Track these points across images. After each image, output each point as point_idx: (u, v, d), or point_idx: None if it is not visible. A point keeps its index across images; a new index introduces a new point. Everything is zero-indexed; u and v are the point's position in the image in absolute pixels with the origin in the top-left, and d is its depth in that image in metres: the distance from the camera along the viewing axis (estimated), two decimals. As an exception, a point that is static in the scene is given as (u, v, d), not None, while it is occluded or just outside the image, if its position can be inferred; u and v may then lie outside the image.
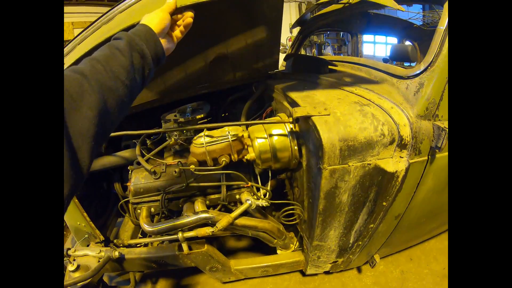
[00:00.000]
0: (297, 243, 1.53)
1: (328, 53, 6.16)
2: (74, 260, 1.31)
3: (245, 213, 1.30)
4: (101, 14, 1.04)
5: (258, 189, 1.34)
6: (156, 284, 1.71)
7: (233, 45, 1.55)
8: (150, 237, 1.46)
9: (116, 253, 1.32)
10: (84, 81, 0.54)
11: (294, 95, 1.20)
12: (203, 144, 1.19)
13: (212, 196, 1.43)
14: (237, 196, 1.40)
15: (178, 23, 0.80)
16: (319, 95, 1.17)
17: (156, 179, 1.37)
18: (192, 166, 1.20)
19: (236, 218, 1.25)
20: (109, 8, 1.03)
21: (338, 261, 1.42)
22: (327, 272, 1.62)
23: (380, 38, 7.19)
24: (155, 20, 0.71)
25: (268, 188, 1.30)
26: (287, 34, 6.12)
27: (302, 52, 3.83)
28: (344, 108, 1.01)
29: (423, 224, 1.42)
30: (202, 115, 1.47)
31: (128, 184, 1.42)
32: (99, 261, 1.30)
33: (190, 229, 1.28)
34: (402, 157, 0.99)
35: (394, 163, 0.98)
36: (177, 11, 0.79)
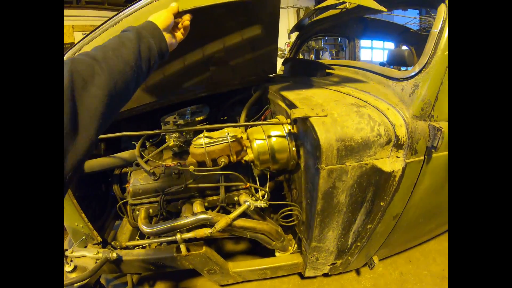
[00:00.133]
0: (296, 245, 1.53)
1: (326, 59, 6.23)
2: (72, 261, 1.31)
3: (244, 215, 1.31)
4: (107, 18, 1.13)
5: (256, 191, 1.34)
6: (153, 286, 1.70)
7: (232, 49, 1.58)
8: (148, 239, 1.45)
9: (114, 255, 1.32)
10: (95, 64, 0.58)
11: (292, 97, 1.22)
12: (202, 145, 1.20)
13: (211, 198, 1.43)
14: (236, 198, 1.41)
15: (179, 26, 0.88)
16: (317, 97, 1.19)
17: (155, 180, 1.38)
18: (192, 167, 1.21)
19: (234, 219, 1.26)
20: (115, 13, 1.11)
21: (336, 263, 1.42)
22: (325, 275, 1.62)
23: (377, 43, 7.29)
24: (161, 18, 0.79)
25: (267, 189, 1.31)
26: (285, 40, 6.20)
27: (300, 57, 3.87)
28: (341, 110, 1.03)
29: (421, 224, 1.43)
30: (201, 117, 1.49)
31: (127, 185, 1.42)
32: (96, 262, 1.29)
33: (189, 230, 1.29)
34: (399, 157, 1.01)
35: (391, 163, 0.99)
36: (178, 15, 0.87)
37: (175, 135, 1.44)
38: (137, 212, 1.41)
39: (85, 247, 1.43)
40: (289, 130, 1.18)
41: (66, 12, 5.28)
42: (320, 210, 1.08)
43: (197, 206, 1.33)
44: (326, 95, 1.22)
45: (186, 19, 0.87)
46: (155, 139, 1.64)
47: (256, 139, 1.20)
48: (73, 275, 1.28)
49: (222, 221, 1.22)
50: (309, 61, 3.72)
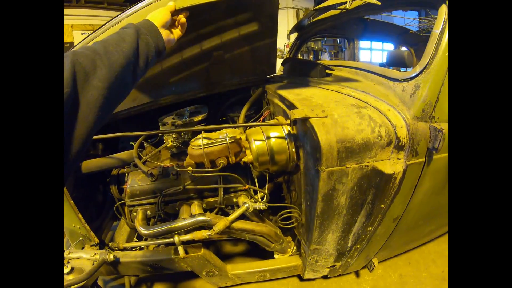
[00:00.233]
0: (295, 247, 1.52)
1: (325, 60, 6.23)
2: (68, 262, 1.29)
3: (242, 217, 1.29)
4: (107, 18, 1.17)
5: (255, 192, 1.33)
6: (151, 289, 1.69)
7: (230, 49, 1.57)
8: (146, 241, 1.44)
9: (111, 256, 1.30)
10: (96, 57, 0.60)
11: (291, 98, 1.21)
12: (201, 146, 1.18)
13: (209, 199, 1.42)
14: (234, 199, 1.39)
15: (176, 23, 0.90)
16: (317, 98, 1.18)
17: (153, 181, 1.36)
18: (190, 168, 1.19)
19: (233, 221, 1.24)
20: (115, 12, 1.15)
21: (336, 265, 1.41)
22: (325, 277, 1.61)
23: (376, 44, 7.31)
24: (158, 16, 0.81)
25: (266, 191, 1.30)
26: (285, 40, 6.19)
27: (300, 58, 3.86)
28: (342, 110, 1.02)
29: (421, 226, 1.42)
30: (200, 118, 1.47)
31: (124, 186, 1.40)
32: (93, 264, 1.28)
33: (187, 232, 1.27)
34: (400, 159, 0.99)
35: (392, 164, 0.98)
36: (176, 13, 0.89)
37: (173, 135, 1.42)
38: (135, 214, 1.39)
39: (82, 248, 1.42)
40: (289, 131, 1.17)
41: (65, 11, 5.26)
42: (320, 213, 1.06)
43: (195, 208, 1.31)
44: (326, 95, 1.21)
45: (181, 17, 0.90)
46: (153, 140, 1.62)
47: (255, 140, 1.19)
48: (70, 277, 1.26)
49: (221, 223, 1.20)
50: (308, 61, 3.71)
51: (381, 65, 2.67)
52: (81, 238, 1.40)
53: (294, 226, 1.37)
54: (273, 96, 1.50)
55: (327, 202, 1.04)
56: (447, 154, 1.08)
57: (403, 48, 2.81)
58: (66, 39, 5.28)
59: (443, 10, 1.02)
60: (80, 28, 5.42)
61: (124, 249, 1.44)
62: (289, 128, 1.17)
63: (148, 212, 1.39)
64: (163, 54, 0.82)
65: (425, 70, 1.01)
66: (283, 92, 1.33)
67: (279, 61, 2.32)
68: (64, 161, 0.51)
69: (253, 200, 1.28)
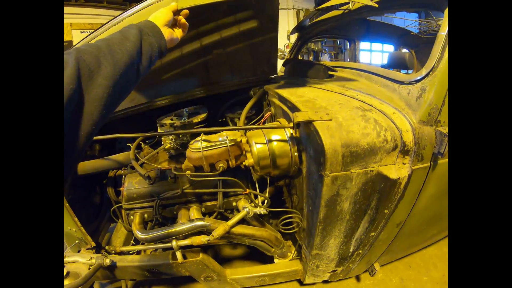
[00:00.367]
0: (295, 252, 1.49)
1: (325, 61, 6.22)
2: (64, 266, 1.26)
3: (242, 221, 1.27)
4: (106, 16, 1.16)
5: (256, 196, 1.30)
6: (148, 293, 1.66)
7: (230, 48, 1.55)
8: (143, 245, 1.41)
9: (108, 261, 1.27)
10: (101, 55, 0.60)
11: (294, 99, 1.18)
12: (200, 148, 1.15)
13: (208, 203, 1.39)
14: (234, 203, 1.36)
15: (177, 23, 0.91)
16: (320, 100, 1.15)
17: (150, 184, 1.33)
18: (188, 172, 1.16)
19: (232, 226, 1.21)
20: (114, 11, 1.15)
21: (337, 270, 1.39)
22: (325, 281, 1.59)
23: (376, 46, 7.31)
24: (161, 16, 0.82)
25: (266, 195, 1.27)
26: (285, 41, 6.17)
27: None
28: (346, 113, 0.99)
29: (423, 231, 1.40)
30: (199, 119, 1.44)
31: (121, 188, 1.37)
32: (89, 269, 1.24)
33: (185, 237, 1.24)
34: (405, 164, 0.97)
35: (397, 169, 0.96)
36: (177, 12, 0.90)
37: (171, 137, 1.39)
38: (132, 217, 1.36)
39: (79, 251, 1.39)
40: (291, 134, 1.14)
41: (65, 10, 5.21)
42: (322, 218, 1.04)
43: (194, 212, 1.28)
44: (330, 98, 1.18)
45: (182, 17, 0.91)
46: (151, 141, 1.59)
47: (256, 143, 1.16)
48: (66, 281, 1.23)
49: (220, 228, 1.17)
50: (311, 62, 3.69)
51: (382, 66, 2.65)
52: (77, 241, 1.37)
53: (296, 231, 1.34)
54: (274, 97, 1.48)
55: (330, 208, 1.01)
56: (452, 159, 1.05)
57: (404, 50, 2.80)
58: (65, 37, 5.24)
59: (450, 12, 1.00)
60: (79, 27, 5.38)
61: (121, 253, 1.41)
62: (291, 131, 1.14)
63: (146, 215, 1.36)
64: (165, 54, 0.82)
65: (431, 73, 0.98)
66: (285, 94, 1.30)
67: (280, 62, 2.29)
68: (71, 157, 0.52)
69: (253, 205, 1.25)
